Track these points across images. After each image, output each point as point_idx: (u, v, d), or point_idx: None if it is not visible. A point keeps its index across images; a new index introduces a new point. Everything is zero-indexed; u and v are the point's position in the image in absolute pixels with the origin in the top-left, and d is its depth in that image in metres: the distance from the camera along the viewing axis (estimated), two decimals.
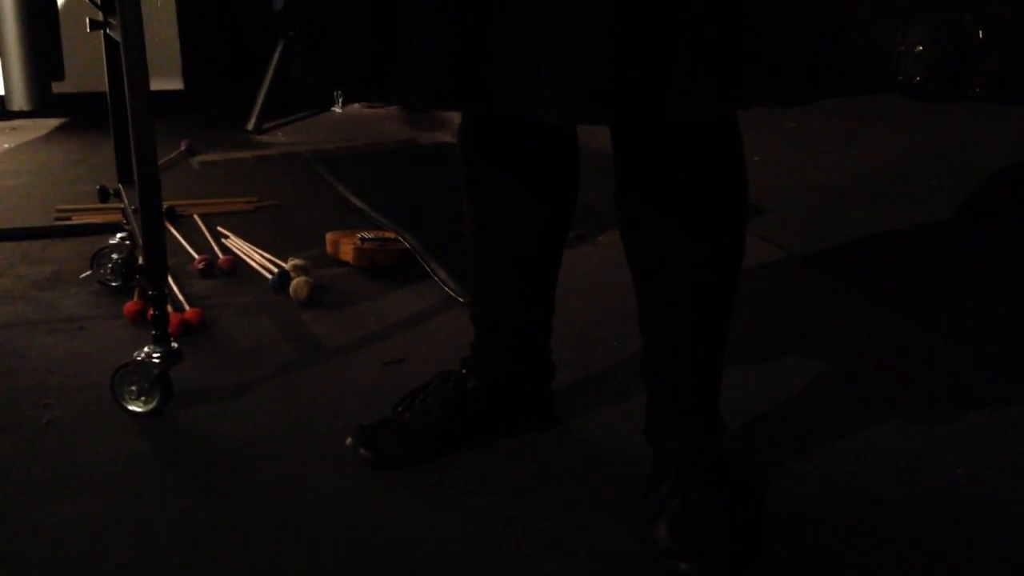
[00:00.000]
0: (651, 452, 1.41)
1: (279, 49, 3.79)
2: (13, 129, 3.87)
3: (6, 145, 3.66)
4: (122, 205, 2.06)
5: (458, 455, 1.53)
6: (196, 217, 2.68)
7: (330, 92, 4.12)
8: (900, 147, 3.43)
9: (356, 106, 4.21)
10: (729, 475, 1.37)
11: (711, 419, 1.41)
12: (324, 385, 1.78)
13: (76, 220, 2.69)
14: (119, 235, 2.19)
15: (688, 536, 1.27)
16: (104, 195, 2.15)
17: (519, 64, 1.16)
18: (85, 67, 3.79)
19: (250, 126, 3.80)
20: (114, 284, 2.20)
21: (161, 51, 4.03)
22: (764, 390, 1.72)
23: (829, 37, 1.17)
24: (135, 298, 2.08)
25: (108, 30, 1.92)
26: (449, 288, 2.16)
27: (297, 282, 2.15)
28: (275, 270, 2.24)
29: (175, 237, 2.51)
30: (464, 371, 1.57)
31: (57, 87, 2.36)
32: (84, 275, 2.23)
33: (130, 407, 1.67)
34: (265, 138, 3.75)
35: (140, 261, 1.68)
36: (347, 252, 2.31)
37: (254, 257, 2.38)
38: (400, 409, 1.56)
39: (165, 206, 2.47)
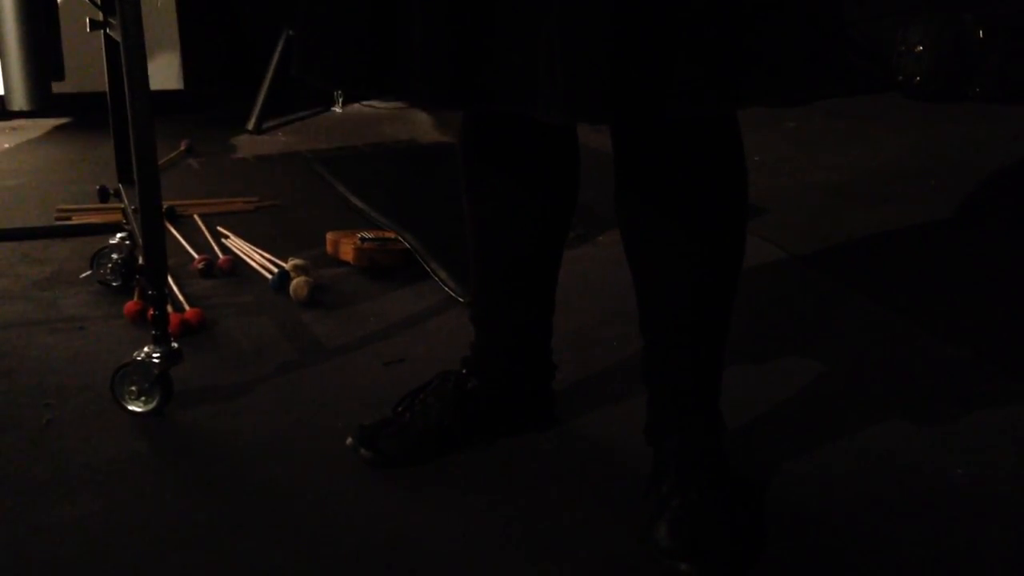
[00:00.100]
0: (651, 452, 1.41)
1: (279, 49, 3.79)
2: (13, 129, 3.87)
3: (6, 145, 3.66)
4: (122, 205, 2.06)
5: (458, 455, 1.53)
6: (196, 217, 2.68)
7: (330, 92, 4.12)
8: (900, 147, 3.43)
9: (356, 106, 4.21)
10: (729, 475, 1.38)
11: (711, 419, 1.41)
12: (324, 385, 1.78)
13: (76, 220, 2.69)
14: (119, 235, 2.19)
15: (688, 536, 1.27)
16: (104, 195, 2.15)
17: (519, 64, 1.16)
18: (85, 67, 3.80)
19: (250, 126, 3.80)
20: (114, 284, 2.20)
21: (161, 51, 4.04)
22: (764, 390, 1.72)
23: (829, 37, 1.17)
24: (135, 298, 2.08)
25: (108, 30, 1.92)
26: (449, 288, 2.16)
27: (297, 282, 2.15)
28: (275, 270, 2.24)
29: (175, 237, 2.51)
30: (464, 371, 1.57)
31: (57, 87, 2.36)
32: (84, 275, 2.23)
33: (130, 407, 1.67)
34: (265, 138, 3.75)
35: (140, 261, 1.68)
36: (347, 252, 2.31)
37: (254, 257, 2.38)
38: (400, 409, 1.56)
39: (165, 206, 2.47)
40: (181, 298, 2.14)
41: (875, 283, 2.20)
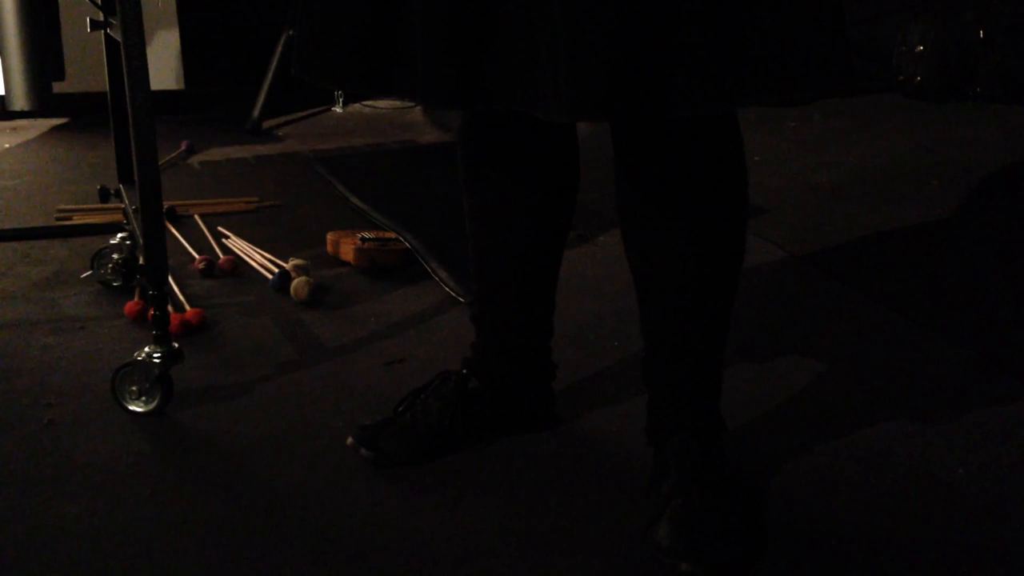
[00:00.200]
0: (652, 452, 1.41)
1: (279, 49, 3.79)
2: (14, 129, 3.87)
3: (7, 145, 3.66)
4: (123, 205, 2.06)
5: (459, 455, 1.53)
6: (197, 217, 2.68)
7: (330, 92, 4.12)
8: (901, 147, 3.43)
9: (357, 106, 4.20)
10: (730, 475, 1.38)
11: (712, 419, 1.41)
12: (324, 385, 1.78)
13: (77, 220, 2.69)
14: (120, 235, 2.19)
15: (689, 536, 1.27)
16: (105, 195, 2.15)
17: (521, 62, 1.16)
18: (86, 67, 3.80)
19: (251, 126, 3.80)
20: (115, 284, 2.20)
21: (162, 51, 4.04)
22: (764, 390, 1.72)
23: (830, 36, 1.17)
24: (136, 298, 2.08)
25: (109, 30, 1.92)
26: (449, 288, 2.16)
27: (298, 282, 2.15)
28: (276, 270, 2.25)
29: (176, 237, 2.51)
30: (465, 371, 1.57)
31: (58, 87, 2.36)
32: (85, 275, 2.23)
33: (131, 407, 1.68)
34: (266, 138, 3.75)
35: (141, 261, 1.68)
36: (348, 252, 2.31)
37: (255, 257, 2.38)
38: (401, 409, 1.56)
39: (166, 206, 2.48)
40: (182, 298, 2.14)
41: (875, 283, 2.20)
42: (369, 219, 2.60)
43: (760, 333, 1.94)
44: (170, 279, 2.16)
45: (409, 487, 1.47)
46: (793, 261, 2.35)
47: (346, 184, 2.95)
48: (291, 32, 3.68)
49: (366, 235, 2.34)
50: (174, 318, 1.91)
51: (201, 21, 4.12)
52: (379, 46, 1.24)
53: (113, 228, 2.24)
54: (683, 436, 1.37)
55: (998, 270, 2.29)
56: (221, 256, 2.36)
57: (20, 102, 2.16)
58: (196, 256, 2.37)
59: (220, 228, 2.59)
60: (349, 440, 1.53)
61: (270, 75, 3.80)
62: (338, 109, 4.15)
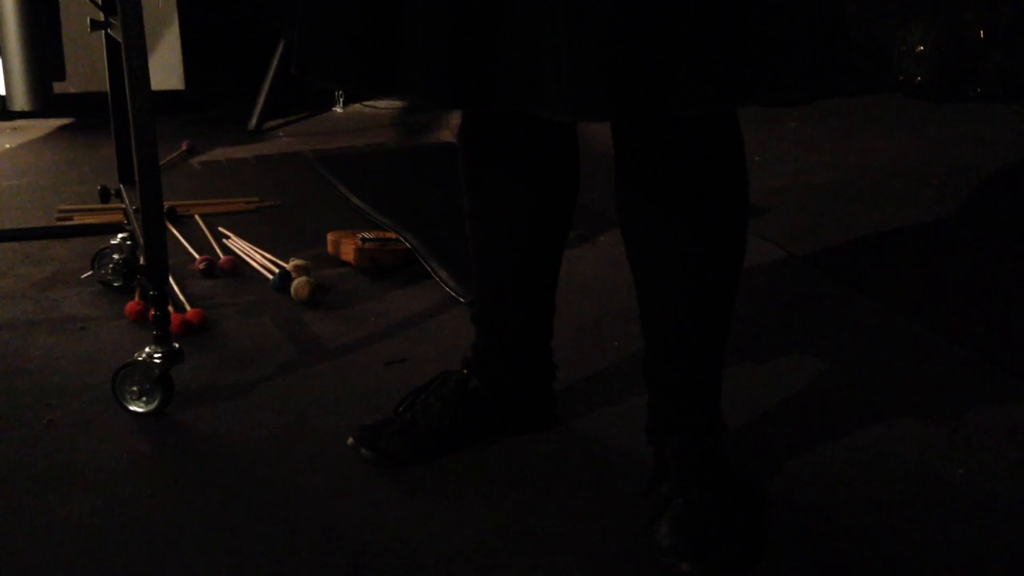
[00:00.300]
0: (652, 452, 1.41)
1: (280, 49, 3.79)
2: (14, 129, 3.88)
3: (7, 145, 3.66)
4: (123, 205, 2.07)
5: (459, 455, 1.53)
6: (197, 217, 2.68)
7: (331, 92, 4.12)
8: (901, 147, 3.43)
9: (357, 106, 4.20)
10: (730, 475, 1.38)
11: (712, 419, 1.41)
12: (325, 385, 1.78)
13: (77, 220, 2.69)
14: (120, 235, 2.19)
15: (689, 536, 1.27)
16: (105, 195, 2.15)
17: (522, 62, 1.16)
18: (86, 67, 3.80)
19: (251, 126, 3.80)
20: (115, 284, 2.20)
21: (162, 51, 4.04)
22: (764, 390, 1.72)
23: (831, 36, 1.17)
24: (136, 298, 2.08)
25: (109, 30, 1.92)
26: (450, 288, 2.16)
27: (298, 282, 2.15)
28: (276, 270, 2.25)
29: (176, 237, 2.51)
30: (465, 371, 1.57)
31: (58, 87, 2.36)
32: (85, 275, 2.23)
33: (131, 407, 1.68)
34: (266, 138, 3.75)
35: (141, 261, 1.69)
36: (348, 252, 2.31)
37: (255, 257, 2.38)
38: (401, 409, 1.56)
39: (166, 206, 2.48)
40: (182, 298, 2.14)
41: (875, 283, 2.20)
42: (369, 219, 2.60)
43: (760, 333, 1.94)
44: (171, 279, 2.16)
45: (409, 487, 1.47)
46: (793, 261, 2.35)
47: (346, 184, 2.95)
48: (291, 32, 3.67)
49: (366, 235, 2.34)
50: (175, 318, 1.91)
51: (202, 21, 4.12)
52: (380, 45, 1.24)
53: (114, 228, 2.24)
54: (683, 436, 1.37)
55: (998, 270, 2.29)
56: (222, 256, 2.36)
57: (20, 102, 2.16)
58: (197, 256, 2.37)
59: (221, 228, 2.59)
60: (350, 440, 1.53)
61: (271, 75, 3.80)
62: (338, 109, 4.15)
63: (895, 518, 1.38)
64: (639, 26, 1.10)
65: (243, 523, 1.39)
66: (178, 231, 2.56)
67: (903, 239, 2.52)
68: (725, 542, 1.28)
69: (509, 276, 1.53)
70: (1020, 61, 4.06)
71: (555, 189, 1.50)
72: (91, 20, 1.94)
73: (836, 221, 2.63)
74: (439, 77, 1.19)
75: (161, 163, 1.80)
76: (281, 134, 3.81)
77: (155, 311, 1.66)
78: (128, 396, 1.68)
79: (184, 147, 3.49)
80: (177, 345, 1.69)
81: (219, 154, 3.50)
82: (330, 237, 2.38)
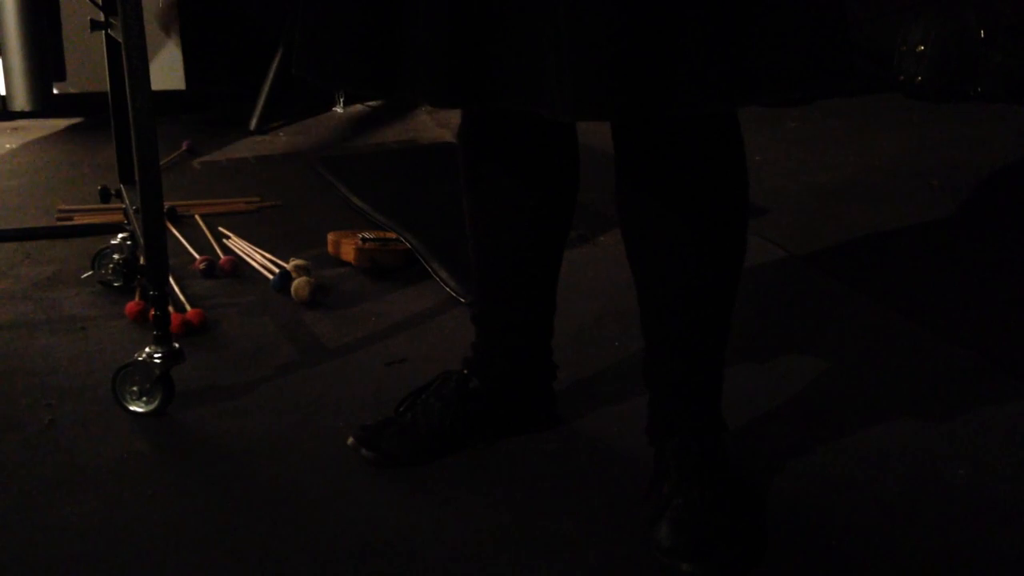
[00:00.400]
0: (652, 452, 1.41)
1: (281, 49, 3.79)
2: (15, 129, 3.87)
3: (8, 145, 3.66)
4: (123, 205, 2.07)
5: (460, 455, 1.53)
6: (197, 217, 2.68)
7: (332, 92, 4.12)
8: (901, 147, 3.43)
9: (358, 106, 4.20)
10: (730, 475, 1.38)
11: (712, 419, 1.41)
12: (325, 385, 1.78)
13: (78, 220, 2.69)
14: (120, 235, 2.19)
15: (690, 536, 1.27)
16: (106, 195, 2.15)
17: (523, 62, 1.16)
18: (87, 68, 3.79)
19: (252, 126, 3.80)
20: (116, 284, 2.20)
21: (162, 51, 4.04)
22: (764, 390, 1.72)
23: (831, 36, 1.17)
24: (136, 298, 2.08)
25: (110, 30, 1.92)
26: (450, 288, 2.16)
27: (299, 282, 2.15)
28: (276, 270, 2.25)
29: (176, 237, 2.51)
30: (466, 371, 1.57)
31: (59, 87, 2.36)
32: (86, 275, 2.23)
33: (131, 407, 1.68)
34: (267, 138, 3.75)
35: (141, 261, 1.69)
36: (348, 252, 2.31)
37: (255, 257, 2.38)
38: (402, 409, 1.56)
39: (166, 206, 2.48)
40: (182, 298, 2.14)
41: (875, 283, 2.20)
42: (370, 219, 2.60)
43: (760, 333, 1.94)
44: (171, 279, 2.16)
45: (410, 487, 1.47)
46: (793, 261, 2.35)
47: (347, 184, 2.95)
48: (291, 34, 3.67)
49: (367, 235, 2.34)
50: (175, 318, 1.91)
51: (203, 21, 4.12)
52: (380, 45, 1.24)
53: (114, 228, 2.24)
54: (684, 436, 1.37)
55: (998, 270, 2.29)
56: (222, 256, 2.36)
57: (21, 103, 2.16)
58: (197, 256, 2.37)
59: (221, 228, 2.59)
60: (350, 440, 1.53)
61: (271, 75, 3.80)
62: (339, 109, 4.15)
63: (895, 518, 1.38)
64: (639, 26, 1.10)
65: (243, 523, 1.39)
66: (178, 231, 2.56)
67: (903, 239, 2.52)
68: (726, 542, 1.28)
69: (509, 276, 1.53)
70: (1020, 61, 4.05)
71: (555, 189, 1.50)
72: (91, 20, 1.94)
73: (836, 221, 2.63)
74: (439, 77, 1.19)
75: (161, 163, 1.80)
76: (281, 134, 3.81)
77: (155, 311, 1.66)
78: (128, 396, 1.68)
79: (184, 147, 3.49)
80: (177, 345, 1.69)
81: (219, 154, 3.50)
82: (330, 237, 2.38)
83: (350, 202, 2.80)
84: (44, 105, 2.21)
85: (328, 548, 1.34)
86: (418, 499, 1.44)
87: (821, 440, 1.57)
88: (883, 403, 1.68)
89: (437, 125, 3.85)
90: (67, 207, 2.80)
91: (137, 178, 1.63)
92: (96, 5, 1.94)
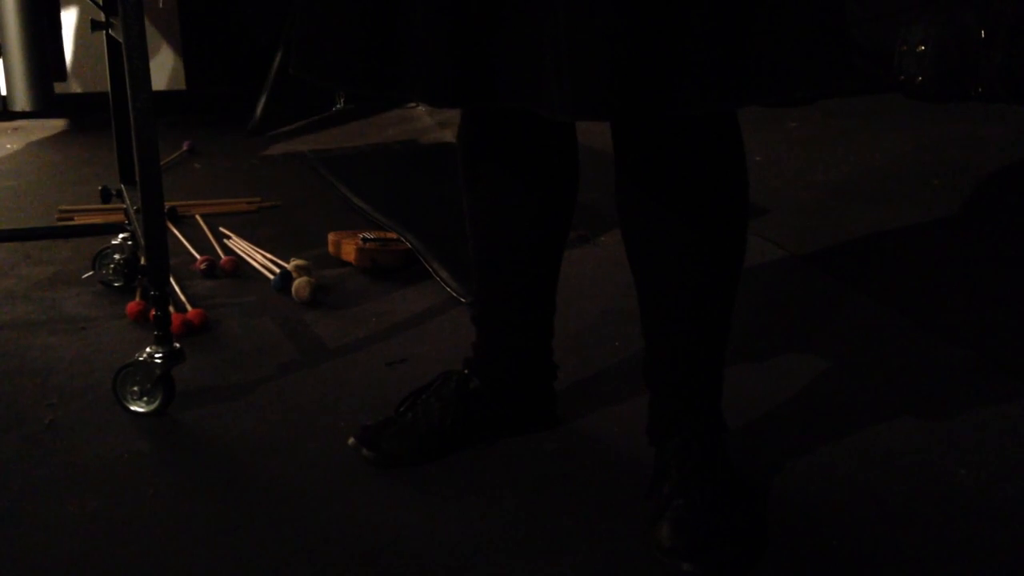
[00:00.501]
0: (653, 452, 1.41)
1: (281, 49, 3.79)
2: (15, 130, 3.88)
3: (9, 146, 3.66)
4: (124, 205, 2.07)
5: (460, 455, 1.54)
6: (198, 217, 2.68)
7: (332, 92, 4.13)
8: (902, 147, 3.43)
9: (358, 106, 4.21)
10: (731, 475, 1.38)
11: (713, 419, 1.41)
12: (326, 385, 1.78)
13: (78, 220, 2.70)
14: (121, 235, 2.19)
15: (690, 536, 1.27)
16: (106, 195, 2.15)
17: (523, 61, 1.16)
18: (88, 68, 3.80)
19: (252, 126, 3.80)
20: (116, 284, 2.20)
21: (163, 51, 4.04)
22: (764, 390, 1.72)
23: (831, 36, 1.17)
24: (137, 298, 2.08)
25: (110, 31, 1.92)
26: (451, 288, 2.16)
27: (299, 282, 2.15)
28: (277, 270, 2.25)
29: (177, 237, 2.51)
30: (466, 371, 1.57)
31: (60, 88, 2.36)
32: (86, 275, 2.24)
33: (132, 407, 1.68)
34: (267, 138, 3.75)
35: (142, 261, 1.69)
36: (349, 252, 2.31)
37: (256, 257, 2.38)
38: (402, 409, 1.56)
39: (167, 206, 2.48)
40: (183, 298, 2.14)
41: (875, 283, 2.20)
42: (370, 219, 2.60)
43: (760, 333, 1.94)
44: (171, 279, 2.16)
45: (410, 487, 1.47)
46: (793, 261, 2.35)
47: (347, 184, 2.96)
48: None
49: (367, 235, 2.35)
50: (175, 318, 1.91)
51: (203, 22, 4.13)
52: (379, 45, 1.24)
53: (115, 228, 2.24)
54: (684, 436, 1.37)
55: (998, 270, 2.29)
56: (223, 256, 2.37)
57: (22, 103, 2.17)
58: (198, 256, 2.37)
59: (221, 228, 2.59)
60: (351, 440, 1.53)
61: (272, 75, 3.80)
62: (339, 109, 4.15)
63: (895, 518, 1.38)
64: (639, 25, 1.10)
65: (244, 523, 1.40)
66: (179, 231, 2.56)
67: (903, 239, 2.52)
68: (726, 542, 1.28)
69: (509, 276, 1.53)
70: (1021, 61, 4.06)
71: (555, 189, 1.50)
72: (92, 21, 1.95)
73: (836, 221, 2.63)
74: (439, 76, 1.19)
75: (162, 163, 1.80)
76: (282, 134, 3.81)
77: (156, 311, 1.66)
78: (129, 396, 1.68)
79: (185, 147, 3.49)
80: (178, 345, 1.69)
81: (220, 154, 3.50)
82: (331, 237, 2.38)
83: (351, 202, 2.80)
84: (45, 105, 2.21)
85: (328, 548, 1.34)
86: (418, 499, 1.44)
87: (821, 440, 1.57)
88: (883, 403, 1.68)
89: (438, 125, 3.85)
90: (68, 207, 2.80)
91: (138, 178, 1.63)
92: (97, 5, 1.95)
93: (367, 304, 2.14)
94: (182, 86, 4.10)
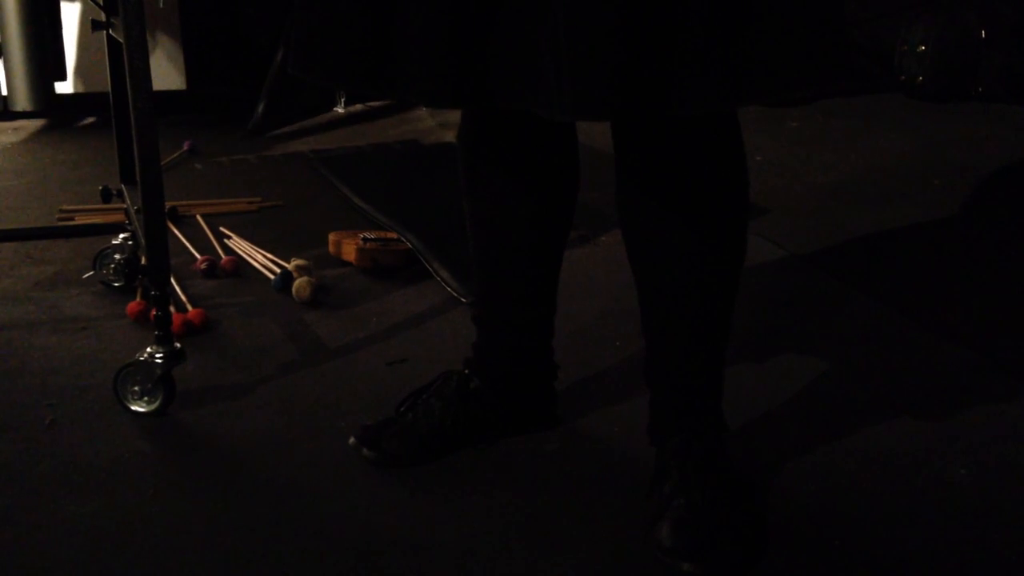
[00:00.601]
0: (653, 452, 1.41)
1: (281, 49, 3.79)
2: (16, 129, 3.88)
3: (9, 145, 3.66)
4: (125, 205, 2.07)
5: (461, 455, 1.54)
6: (199, 217, 2.68)
7: (333, 92, 4.13)
8: (902, 147, 3.43)
9: (359, 106, 4.21)
10: (731, 475, 1.38)
11: (713, 419, 1.41)
12: (326, 385, 1.78)
13: (79, 220, 2.70)
14: (122, 235, 2.19)
15: (691, 536, 1.27)
16: (107, 195, 2.15)
17: (522, 61, 1.16)
18: (88, 68, 3.80)
19: (252, 126, 3.80)
20: (117, 284, 2.20)
21: (164, 51, 4.04)
22: (764, 390, 1.72)
23: (831, 36, 1.17)
24: (138, 298, 2.08)
25: (111, 31, 1.92)
26: (451, 288, 2.16)
27: (300, 282, 2.15)
28: (277, 270, 2.25)
29: (178, 237, 2.51)
30: (467, 371, 1.57)
31: (60, 87, 2.36)
32: (87, 275, 2.24)
33: (133, 407, 1.68)
34: (268, 138, 3.75)
35: (143, 261, 1.69)
36: (349, 252, 2.32)
37: (256, 257, 2.38)
38: (403, 409, 1.57)
39: (168, 206, 2.48)
40: (184, 298, 2.14)
41: (875, 283, 2.20)
42: (371, 219, 2.60)
43: (760, 333, 1.94)
44: (172, 279, 2.16)
45: (411, 487, 1.47)
46: (793, 261, 2.35)
47: (348, 184, 2.96)
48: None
49: (368, 235, 2.35)
50: (176, 318, 1.91)
51: (204, 21, 4.13)
52: (378, 45, 1.24)
53: (115, 228, 2.24)
54: (685, 436, 1.37)
55: (999, 270, 2.29)
56: (223, 256, 2.37)
57: (22, 103, 2.17)
58: (198, 256, 2.37)
59: (222, 228, 2.59)
60: (351, 440, 1.53)
61: (272, 75, 3.80)
62: (339, 109, 4.15)
63: (896, 518, 1.38)
64: (638, 25, 1.10)
65: (244, 523, 1.40)
66: (179, 231, 2.56)
67: (904, 239, 2.52)
68: (726, 542, 1.28)
69: (510, 276, 1.53)
70: (1021, 61, 4.05)
71: (555, 189, 1.50)
72: (93, 21, 1.95)
73: (836, 221, 2.63)
74: (438, 77, 1.19)
75: (162, 163, 1.80)
76: (282, 134, 3.81)
77: (156, 311, 1.66)
78: (130, 396, 1.68)
79: (185, 147, 3.49)
80: (179, 345, 1.69)
81: (220, 154, 3.50)
82: (331, 237, 2.38)
83: (351, 202, 2.80)
84: (45, 105, 2.21)
85: (328, 548, 1.34)
86: (419, 499, 1.44)
87: (821, 440, 1.57)
88: (883, 403, 1.68)
89: (438, 125, 3.85)
90: (68, 207, 2.80)
91: (138, 178, 1.63)
92: (97, 5, 1.95)
93: (367, 304, 2.14)
94: (182, 86, 4.10)
